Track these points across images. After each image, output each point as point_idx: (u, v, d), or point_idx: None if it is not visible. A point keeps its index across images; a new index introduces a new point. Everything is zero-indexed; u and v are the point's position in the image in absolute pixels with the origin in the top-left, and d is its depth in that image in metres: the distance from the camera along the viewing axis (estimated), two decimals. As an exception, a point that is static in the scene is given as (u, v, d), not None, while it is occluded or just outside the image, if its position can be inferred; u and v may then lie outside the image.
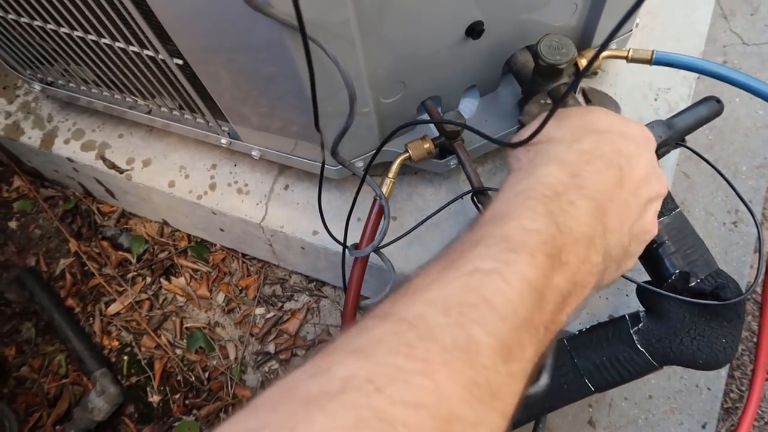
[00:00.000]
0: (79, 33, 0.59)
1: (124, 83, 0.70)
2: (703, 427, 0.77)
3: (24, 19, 0.63)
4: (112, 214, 0.94)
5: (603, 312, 0.68)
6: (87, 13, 0.55)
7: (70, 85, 0.77)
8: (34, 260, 0.94)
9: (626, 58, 0.65)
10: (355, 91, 0.48)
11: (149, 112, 0.76)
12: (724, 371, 0.80)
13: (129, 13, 0.51)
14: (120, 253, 0.92)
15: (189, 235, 0.92)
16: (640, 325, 0.56)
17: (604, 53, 0.67)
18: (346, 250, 0.62)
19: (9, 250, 0.95)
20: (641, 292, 0.58)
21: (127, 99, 0.75)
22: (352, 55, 0.51)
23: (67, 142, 0.85)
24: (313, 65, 0.43)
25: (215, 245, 0.92)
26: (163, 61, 0.57)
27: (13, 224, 0.97)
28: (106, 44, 0.59)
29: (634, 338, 0.56)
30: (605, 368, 0.58)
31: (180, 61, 0.57)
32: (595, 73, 0.71)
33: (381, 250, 0.62)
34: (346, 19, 0.48)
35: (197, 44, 0.52)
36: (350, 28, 0.49)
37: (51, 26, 0.61)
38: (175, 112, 0.71)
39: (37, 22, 0.61)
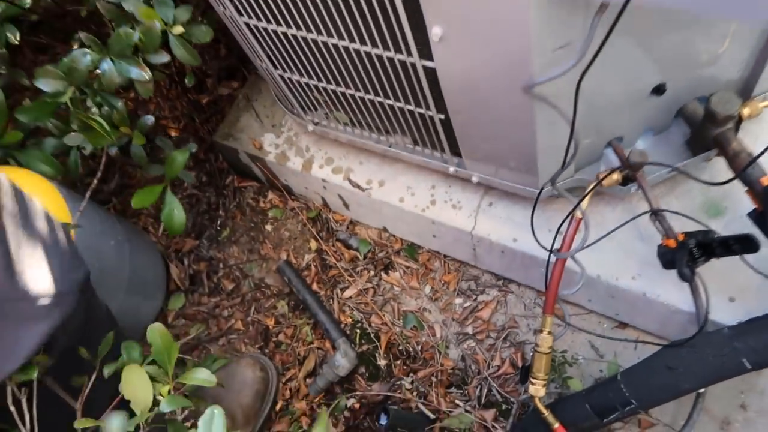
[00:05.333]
0: (370, 96, 0.86)
1: (381, 127, 0.97)
2: None
3: (322, 84, 0.91)
4: (344, 222, 1.23)
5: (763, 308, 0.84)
6: (385, 83, 0.81)
7: (331, 125, 1.06)
8: (285, 255, 1.25)
9: (783, 107, 0.81)
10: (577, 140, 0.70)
11: (390, 146, 1.03)
12: None
13: (420, 85, 0.76)
14: (350, 251, 1.20)
15: (401, 239, 1.19)
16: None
17: (764, 103, 0.83)
18: (554, 254, 0.84)
19: (267, 247, 1.27)
20: None
21: (373, 135, 1.02)
22: (572, 116, 0.73)
23: (321, 167, 1.14)
24: (545, 123, 0.65)
25: (422, 248, 1.17)
26: (430, 117, 0.83)
27: (268, 227, 1.28)
28: (389, 104, 0.86)
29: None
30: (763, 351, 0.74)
31: (442, 116, 0.82)
32: (757, 116, 0.87)
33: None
34: (572, 92, 0.70)
35: (465, 108, 0.77)
36: (577, 98, 0.71)
37: (351, 92, 0.88)
38: (417, 147, 0.97)
39: (341, 89, 0.89)
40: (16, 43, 1.04)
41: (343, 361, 1.08)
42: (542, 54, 0.61)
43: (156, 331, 0.73)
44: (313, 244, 1.23)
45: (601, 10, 0.53)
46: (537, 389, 0.87)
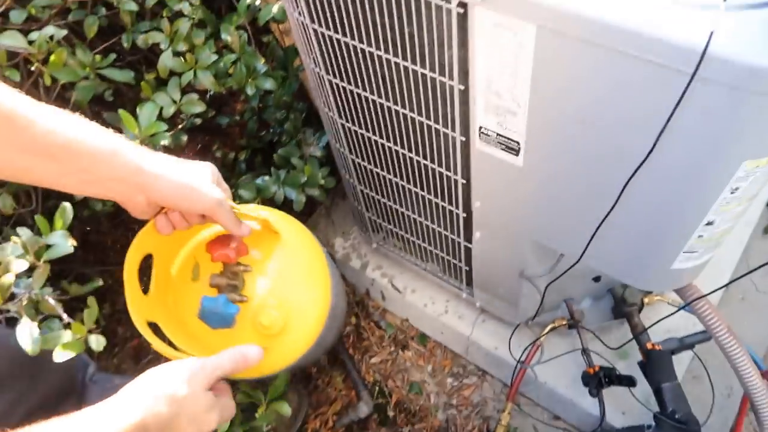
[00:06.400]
0: (424, 244, 1.39)
1: (423, 257, 1.49)
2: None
3: (396, 229, 1.43)
4: (378, 308, 1.73)
5: (639, 421, 1.34)
6: (438, 241, 1.33)
7: (388, 246, 1.58)
8: (331, 323, 1.73)
9: (667, 302, 1.34)
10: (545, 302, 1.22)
11: (425, 269, 1.54)
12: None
13: (459, 250, 1.29)
14: (380, 330, 1.70)
15: (417, 329, 1.69)
16: (650, 430, 1.23)
17: (657, 297, 1.36)
18: (520, 364, 1.35)
19: (319, 315, 1.76)
20: (654, 416, 1.25)
21: (415, 260, 1.54)
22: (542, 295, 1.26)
23: (373, 270, 1.65)
24: (528, 289, 1.18)
25: (431, 338, 1.67)
26: (460, 266, 1.35)
27: (322, 301, 1.78)
28: (436, 252, 1.38)
29: (646, 435, 1.23)
30: (630, 447, 1.24)
31: (467, 268, 1.34)
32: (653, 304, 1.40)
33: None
34: (548, 279, 1.22)
35: (482, 269, 1.29)
36: (545, 293, 1.23)
37: (413, 239, 1.41)
38: (443, 275, 1.48)
39: (407, 235, 1.41)
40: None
41: (364, 407, 1.56)
42: (530, 263, 1.14)
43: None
44: (353, 320, 1.72)
45: (561, 256, 1.06)
46: (494, 448, 1.36)
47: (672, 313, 1.11)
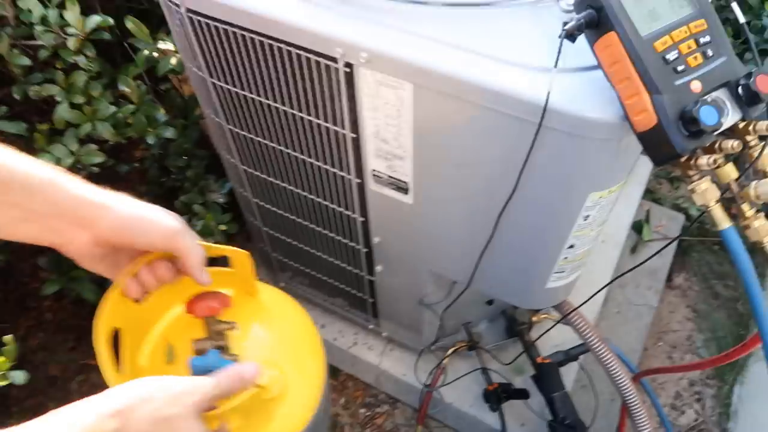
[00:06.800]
0: (330, 280, 1.45)
1: (329, 293, 1.55)
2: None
3: (305, 268, 1.49)
4: (289, 346, 1.76)
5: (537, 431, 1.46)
6: (343, 276, 1.40)
7: (295, 285, 1.62)
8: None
9: (552, 319, 1.48)
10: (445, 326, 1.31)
11: (332, 304, 1.60)
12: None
13: (363, 284, 1.36)
14: (292, 368, 1.73)
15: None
16: (545, 437, 1.34)
17: (543, 315, 1.50)
18: (426, 387, 1.43)
19: (230, 357, 1.76)
20: (548, 424, 1.36)
21: (322, 295, 1.59)
22: (439, 320, 1.36)
23: (282, 308, 1.69)
24: (428, 315, 1.27)
25: (342, 371, 1.72)
26: (365, 298, 1.42)
27: (232, 343, 1.79)
28: (342, 287, 1.44)
29: (543, 443, 1.34)
30: (529, 454, 1.35)
31: (372, 300, 1.41)
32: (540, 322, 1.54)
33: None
34: (444, 305, 1.32)
35: (387, 298, 1.37)
36: (443, 317, 1.33)
37: (324, 277, 1.46)
38: (351, 308, 1.55)
39: (316, 273, 1.47)
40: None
41: (280, 445, 1.57)
42: (428, 291, 1.23)
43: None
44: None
45: (454, 283, 1.17)
46: (407, 472, 1.43)
47: (549, 328, 1.23)
